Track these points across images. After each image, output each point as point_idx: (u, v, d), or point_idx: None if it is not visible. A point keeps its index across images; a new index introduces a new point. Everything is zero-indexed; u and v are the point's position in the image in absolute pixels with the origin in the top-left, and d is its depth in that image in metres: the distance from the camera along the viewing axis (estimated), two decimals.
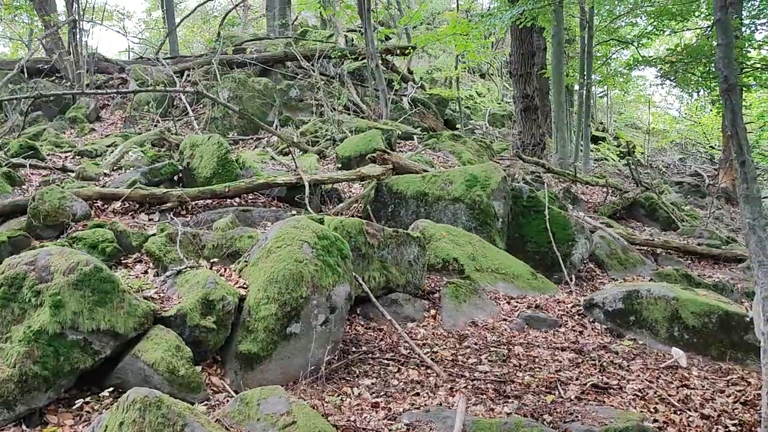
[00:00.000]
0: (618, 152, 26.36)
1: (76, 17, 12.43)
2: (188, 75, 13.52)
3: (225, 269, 4.74)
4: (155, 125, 11.00)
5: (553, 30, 14.66)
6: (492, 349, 4.81)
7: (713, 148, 29.62)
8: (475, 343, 4.91)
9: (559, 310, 5.87)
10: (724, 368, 4.86)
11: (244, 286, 4.33)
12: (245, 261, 4.64)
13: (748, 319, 5.02)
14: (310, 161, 7.35)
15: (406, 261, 5.55)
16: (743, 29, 12.21)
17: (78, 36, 12.56)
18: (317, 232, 4.52)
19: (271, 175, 6.80)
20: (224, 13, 20.71)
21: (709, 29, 15.85)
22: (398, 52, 16.76)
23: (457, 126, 19.71)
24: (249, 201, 6.63)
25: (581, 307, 5.80)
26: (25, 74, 12.63)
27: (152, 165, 6.82)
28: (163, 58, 14.87)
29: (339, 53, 15.76)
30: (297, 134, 10.96)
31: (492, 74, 34.50)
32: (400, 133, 12.53)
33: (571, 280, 6.93)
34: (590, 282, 7.36)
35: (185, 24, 33.21)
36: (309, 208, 6.13)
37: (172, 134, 9.85)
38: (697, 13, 16.35)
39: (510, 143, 15.90)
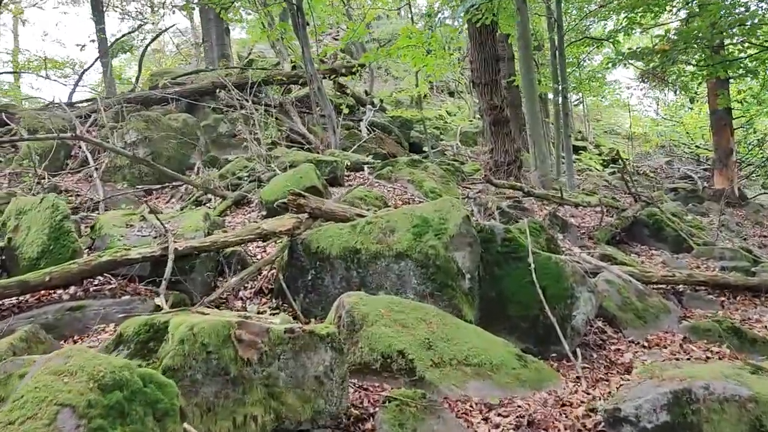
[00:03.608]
0: (601, 161, 24.57)
1: None
2: (96, 119, 11.39)
3: None
4: (39, 182, 8.82)
5: (518, 31, 12.78)
6: None
7: (698, 147, 28.02)
8: None
9: (566, 424, 3.73)
10: None
11: None
12: None
13: None
14: (194, 219, 5.22)
15: (311, 377, 3.40)
16: None
17: None
18: (101, 378, 2.38)
19: (123, 247, 4.67)
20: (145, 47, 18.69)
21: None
22: (344, 71, 14.78)
23: (424, 149, 17.75)
24: (94, 288, 4.48)
25: (600, 419, 3.66)
26: None
27: None
28: (70, 102, 12.75)
29: (278, 79, 13.75)
30: (216, 177, 8.84)
31: (462, 92, 32.83)
32: (348, 163, 10.47)
33: (576, 357, 4.80)
34: (601, 351, 5.25)
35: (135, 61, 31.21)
36: (160, 296, 3.98)
37: (28, 192, 7.66)
38: (675, 2, 14.64)
39: (482, 163, 13.90)
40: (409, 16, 19.31)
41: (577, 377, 4.49)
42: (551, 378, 4.39)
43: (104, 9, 22.34)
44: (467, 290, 4.99)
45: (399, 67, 31.20)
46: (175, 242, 4.66)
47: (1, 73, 22.10)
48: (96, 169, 9.48)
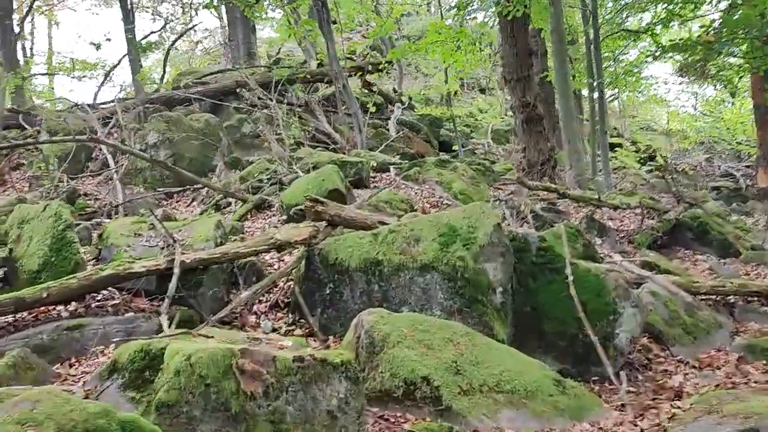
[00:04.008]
0: (638, 158, 23.76)
1: None
2: (118, 121, 11.22)
3: None
4: (57, 185, 8.64)
5: (551, 23, 12.23)
6: None
7: (740, 144, 26.93)
8: None
9: None
10: None
11: None
12: None
13: None
14: (206, 227, 4.89)
15: (323, 411, 3.04)
16: None
17: None
18: (71, 428, 2.04)
19: (127, 259, 4.37)
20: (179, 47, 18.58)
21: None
22: (370, 68, 14.40)
23: (454, 147, 17.29)
24: (96, 304, 4.18)
25: None
26: None
27: None
28: (94, 104, 12.64)
29: (303, 77, 13.44)
30: (236, 179, 8.55)
31: (492, 88, 32.17)
32: (374, 164, 10.10)
33: (620, 380, 4.35)
34: (647, 372, 4.79)
35: (170, 62, 31.30)
36: (162, 316, 3.65)
37: (38, 202, 7.43)
38: None
39: (514, 162, 13.39)
40: (439, 11, 18.81)
41: (622, 405, 4.05)
42: (593, 406, 3.95)
43: (133, 9, 22.36)
44: (499, 305, 4.57)
45: (428, 63, 30.71)
46: (183, 254, 4.34)
47: (33, 75, 22.22)
48: (116, 171, 9.27)
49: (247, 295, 4.31)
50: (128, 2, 21.73)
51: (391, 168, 9.86)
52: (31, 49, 31.74)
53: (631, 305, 4.74)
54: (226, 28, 23.45)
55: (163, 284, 4.34)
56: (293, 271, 4.79)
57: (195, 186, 9.33)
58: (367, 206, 7.92)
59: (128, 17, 21.09)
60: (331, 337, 4.59)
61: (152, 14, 28.51)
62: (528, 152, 11.05)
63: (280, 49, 25.56)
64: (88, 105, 12.28)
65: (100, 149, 10.03)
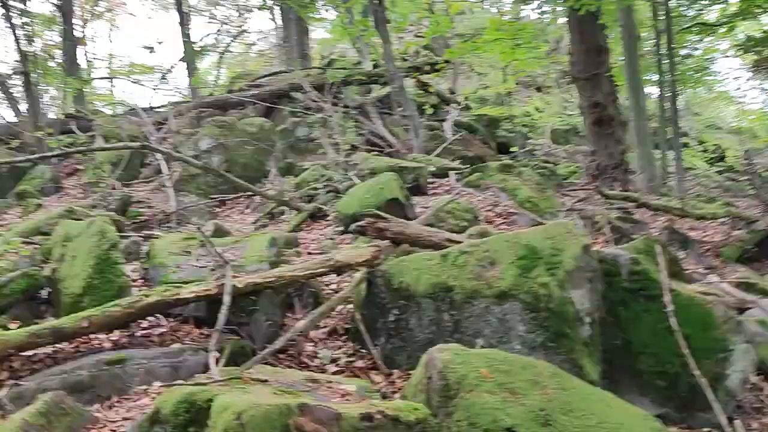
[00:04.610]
0: (706, 158, 22.51)
1: (26, 68, 10.21)
2: (173, 123, 11.04)
3: None
4: (110, 192, 8.45)
5: (621, 17, 11.47)
6: None
7: None
8: None
9: None
10: None
11: None
12: None
13: None
14: (259, 245, 4.46)
15: None
16: None
17: (33, 92, 10.32)
18: None
19: (175, 283, 3.99)
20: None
21: None
22: (427, 68, 13.88)
23: (513, 149, 16.58)
24: (141, 333, 3.82)
25: None
26: None
27: None
28: (150, 108, 12.54)
29: (358, 79, 13.03)
30: (291, 186, 8.19)
31: (550, 87, 31.18)
32: (433, 169, 9.59)
33: (734, 428, 3.72)
34: (761, 417, 4.13)
35: (226, 65, 31.54)
36: (210, 353, 3.23)
37: (91, 210, 7.21)
38: None
39: (581, 165, 12.64)
40: (496, 8, 18.14)
41: None
42: None
43: (188, 13, 22.50)
44: (587, 339, 3.99)
45: (483, 62, 29.99)
46: (235, 277, 3.94)
47: (92, 78, 22.62)
48: (169, 178, 9.04)
49: (303, 325, 3.87)
50: (184, 6, 21.87)
51: (451, 173, 9.33)
52: (93, 53, 32.46)
53: (742, 339, 4.09)
54: (281, 29, 23.38)
55: (213, 309, 3.94)
56: (353, 294, 4.33)
57: (251, 193, 9.01)
58: (429, 216, 7.43)
59: (184, 21, 21.20)
60: (396, 371, 4.12)
61: (208, 17, 28.75)
62: (597, 156, 10.34)
63: (333, 50, 25.33)
64: (143, 109, 12.18)
65: (154, 155, 9.85)
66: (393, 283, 4.24)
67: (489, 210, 8.18)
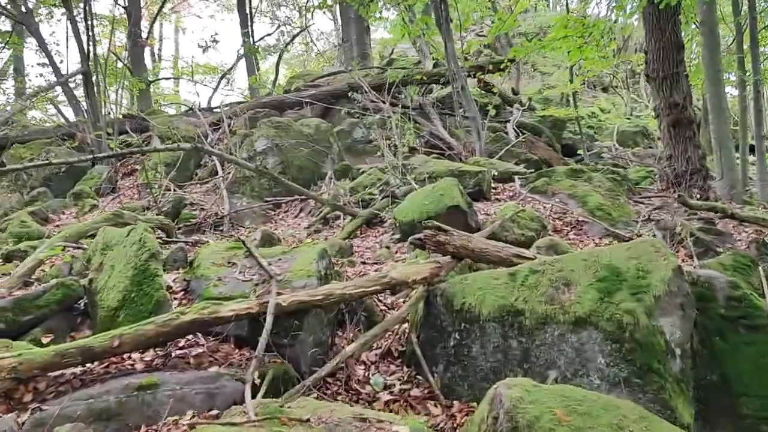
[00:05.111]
0: None
1: (88, 69, 10.24)
2: (230, 125, 10.91)
3: None
4: (163, 194, 8.31)
5: (700, 13, 10.67)
6: None
7: None
8: None
9: None
10: None
11: None
12: None
13: None
14: (307, 258, 4.07)
15: None
16: None
17: (93, 91, 10.34)
18: None
19: (215, 299, 3.68)
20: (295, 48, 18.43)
21: None
22: (491, 68, 13.32)
23: (579, 151, 15.82)
24: (177, 353, 3.51)
25: None
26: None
27: (29, 293, 3.88)
28: (208, 108, 12.46)
29: (418, 79, 12.60)
30: (346, 190, 7.84)
31: (616, 86, 29.95)
32: (495, 173, 9.08)
33: None
34: None
35: (286, 65, 31.72)
36: (246, 385, 2.87)
37: (143, 212, 7.03)
38: None
39: (654, 170, 11.85)
40: (564, 4, 17.39)
41: None
42: None
43: (252, 13, 22.64)
44: (679, 375, 3.46)
45: (546, 61, 29.11)
46: (279, 293, 3.59)
47: (156, 79, 23.02)
48: (223, 180, 8.85)
49: (354, 348, 3.49)
50: (247, 7, 21.98)
51: (516, 178, 8.80)
52: (159, 53, 33.22)
53: None
54: (341, 29, 23.24)
55: (255, 327, 3.61)
56: (409, 314, 3.92)
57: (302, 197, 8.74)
58: (491, 225, 6.96)
59: (245, 22, 21.31)
60: (456, 402, 3.69)
61: (270, 18, 28.94)
62: (675, 161, 9.58)
63: (393, 49, 24.99)
64: (201, 109, 12.10)
65: (209, 156, 9.70)
66: (454, 304, 3.81)
67: (557, 218, 7.63)
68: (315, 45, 26.97)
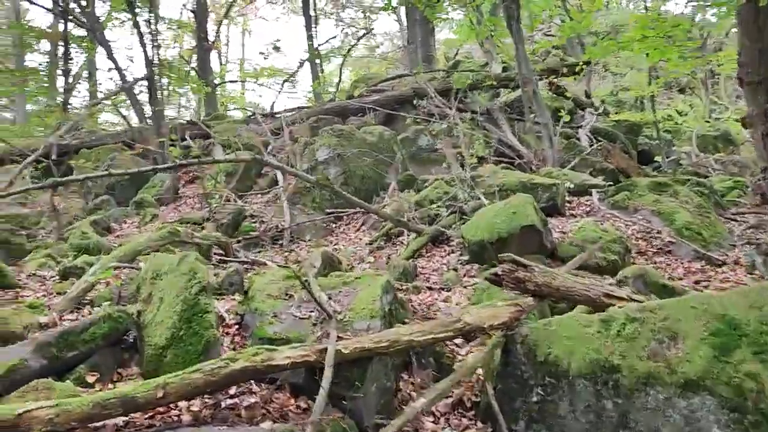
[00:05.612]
0: None
1: (152, 74, 10.21)
2: (292, 132, 10.68)
3: None
4: (224, 205, 8.12)
5: None
6: None
7: None
8: None
9: None
10: None
11: None
12: None
13: None
14: (370, 293, 3.67)
15: None
16: None
17: (157, 97, 10.31)
18: None
19: (269, 341, 3.32)
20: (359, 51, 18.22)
21: None
22: (565, 71, 12.63)
23: (656, 158, 14.86)
24: (228, 404, 3.17)
25: None
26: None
27: (74, 326, 3.63)
28: (273, 113, 12.28)
29: (487, 83, 12.06)
30: (411, 204, 7.43)
31: (694, 87, 28.39)
32: (571, 186, 8.48)
33: None
34: None
35: (351, 67, 31.65)
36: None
37: (199, 229, 6.79)
38: None
39: (746, 182, 10.92)
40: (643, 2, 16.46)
41: None
42: None
43: (315, 16, 22.57)
44: None
45: (619, 61, 27.86)
46: (340, 338, 3.21)
47: (222, 83, 23.28)
48: (284, 190, 8.60)
49: (423, 404, 3.06)
50: (311, 9, 21.91)
51: (594, 192, 8.17)
52: (226, 56, 33.71)
53: None
54: (405, 31, 22.85)
55: (314, 374, 3.24)
56: (484, 362, 3.46)
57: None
58: (568, 245, 6.41)
59: (310, 24, 21.23)
60: None
61: (335, 20, 28.87)
62: None
63: (458, 51, 24.43)
64: (264, 115, 11.95)
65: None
66: (537, 355, 3.33)
67: (641, 238, 6.99)
68: (380, 47, 26.70)
